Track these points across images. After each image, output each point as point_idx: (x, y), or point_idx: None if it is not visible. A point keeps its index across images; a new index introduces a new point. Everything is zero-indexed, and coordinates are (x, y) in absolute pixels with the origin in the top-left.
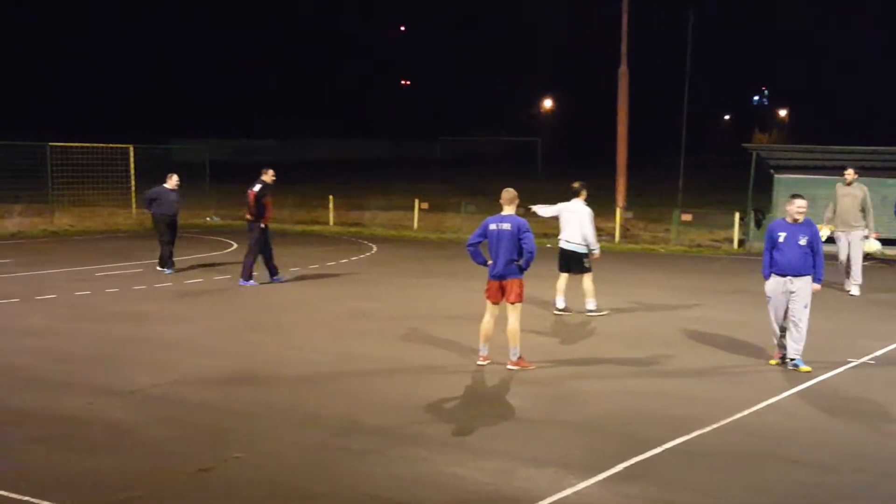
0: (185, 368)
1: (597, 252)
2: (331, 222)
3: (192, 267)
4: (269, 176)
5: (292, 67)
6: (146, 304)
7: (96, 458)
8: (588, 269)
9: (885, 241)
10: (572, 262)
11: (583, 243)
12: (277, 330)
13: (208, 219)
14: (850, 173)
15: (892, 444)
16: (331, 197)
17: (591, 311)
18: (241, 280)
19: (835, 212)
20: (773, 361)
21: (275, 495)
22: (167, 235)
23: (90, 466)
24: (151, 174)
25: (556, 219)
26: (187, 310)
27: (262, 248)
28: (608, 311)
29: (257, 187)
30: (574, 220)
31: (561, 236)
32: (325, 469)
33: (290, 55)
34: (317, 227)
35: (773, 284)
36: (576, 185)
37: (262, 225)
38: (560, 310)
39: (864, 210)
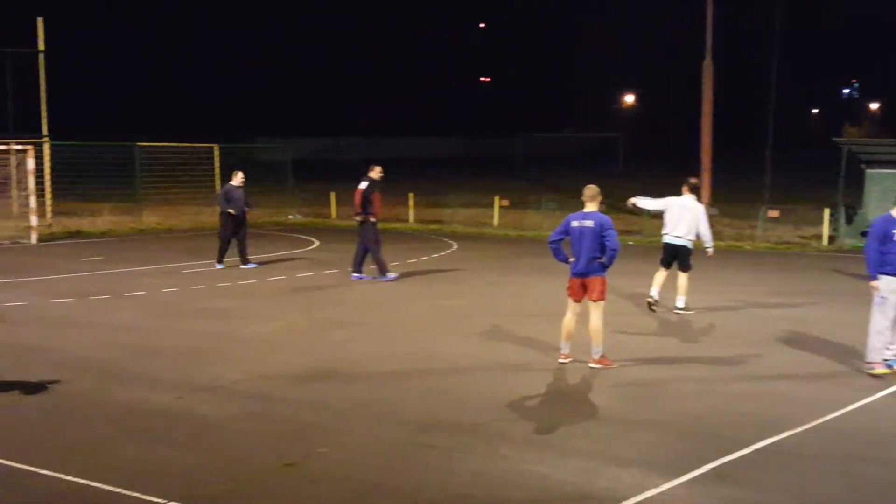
0: (270, 364)
1: (711, 249)
2: (411, 220)
3: (273, 263)
4: (376, 172)
5: (374, 66)
6: (231, 301)
7: (184, 451)
8: (689, 267)
9: None
10: (679, 258)
11: (692, 239)
12: (360, 327)
13: (290, 217)
14: None
15: None
16: (411, 194)
17: (679, 308)
18: (381, 276)
19: None
20: (879, 371)
21: (358, 491)
22: (240, 232)
23: (179, 460)
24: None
25: (653, 215)
26: (271, 307)
27: (375, 242)
28: (695, 310)
29: (364, 185)
30: (688, 216)
31: (668, 231)
32: (407, 466)
33: (372, 53)
34: (397, 225)
35: (889, 284)
36: (693, 180)
37: (373, 220)
38: (653, 300)
39: None
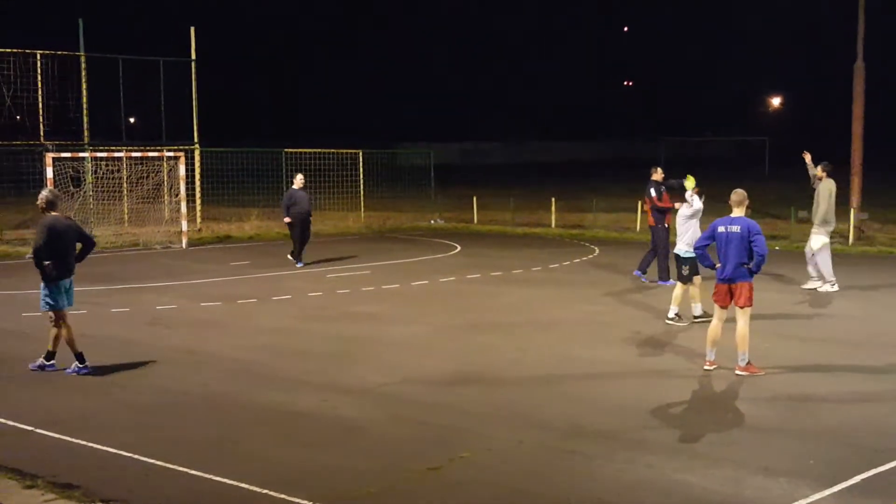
0: (412, 368)
1: None
2: (552, 224)
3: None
4: (657, 174)
5: (515, 70)
6: (375, 305)
7: (330, 454)
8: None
9: None
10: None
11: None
12: (503, 331)
13: (432, 221)
14: None
15: None
16: (553, 199)
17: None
18: (660, 280)
19: None
20: None
21: (500, 496)
22: (305, 234)
23: (324, 462)
24: (378, 178)
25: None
26: (414, 311)
27: (664, 249)
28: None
29: (652, 191)
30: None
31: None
32: (549, 471)
33: (512, 57)
34: (538, 230)
35: None
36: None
37: (667, 225)
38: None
39: None
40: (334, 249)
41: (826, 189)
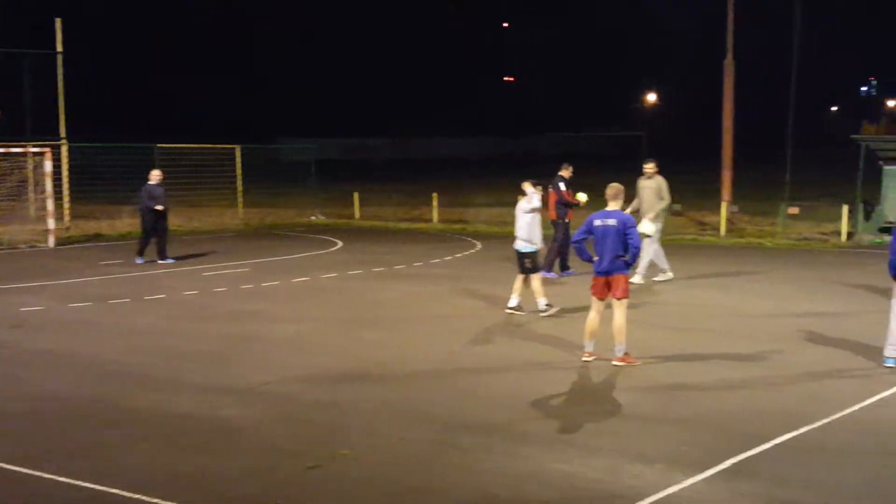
0: (293, 366)
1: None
2: (434, 220)
3: (294, 265)
4: (567, 171)
5: (398, 65)
6: (254, 303)
7: (207, 455)
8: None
9: None
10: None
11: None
12: (384, 327)
13: (313, 217)
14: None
15: None
16: (434, 194)
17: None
18: (543, 272)
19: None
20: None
21: (382, 492)
22: (162, 230)
23: (202, 464)
24: (257, 174)
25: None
26: (295, 308)
27: (565, 242)
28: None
29: (562, 185)
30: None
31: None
32: (432, 466)
33: (396, 52)
34: (421, 225)
35: None
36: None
37: (567, 220)
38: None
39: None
40: (211, 246)
41: (658, 184)
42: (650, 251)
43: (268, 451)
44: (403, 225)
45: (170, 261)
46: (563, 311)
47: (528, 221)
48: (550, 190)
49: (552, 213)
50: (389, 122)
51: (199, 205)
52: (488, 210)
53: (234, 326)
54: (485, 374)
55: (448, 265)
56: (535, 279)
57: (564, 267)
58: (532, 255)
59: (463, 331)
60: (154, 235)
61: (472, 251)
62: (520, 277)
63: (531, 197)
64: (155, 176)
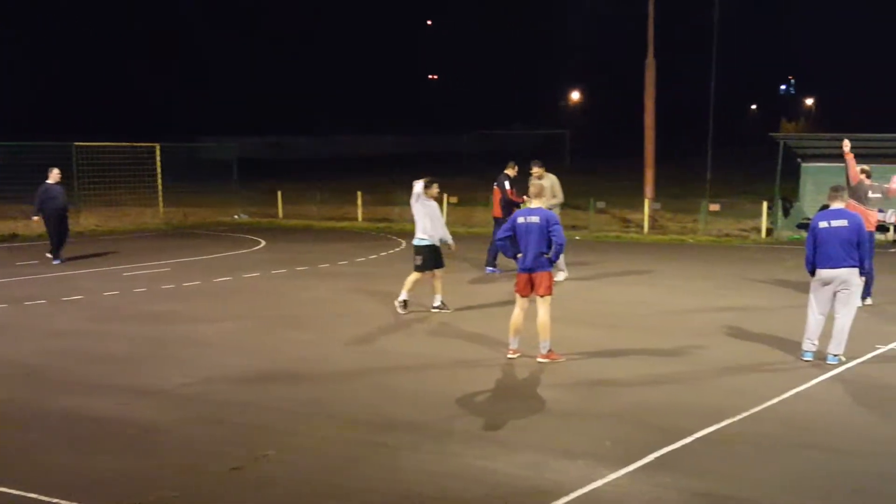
0: (216, 366)
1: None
2: (359, 218)
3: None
4: (512, 170)
5: (321, 63)
6: (175, 304)
7: (127, 458)
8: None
9: None
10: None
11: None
12: (308, 327)
13: (236, 216)
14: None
15: None
16: (359, 192)
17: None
18: (487, 268)
19: None
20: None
21: (306, 492)
22: (62, 230)
23: (120, 467)
24: (178, 173)
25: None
26: (217, 308)
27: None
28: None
29: (507, 184)
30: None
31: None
32: (356, 465)
33: (318, 50)
34: (345, 224)
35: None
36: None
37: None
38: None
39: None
40: (130, 246)
41: (550, 182)
42: None
43: (188, 453)
44: (328, 223)
45: (56, 262)
46: (457, 309)
47: (420, 217)
48: (495, 187)
49: (497, 211)
50: (313, 120)
51: (119, 204)
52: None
53: (154, 327)
54: (410, 372)
55: (373, 264)
56: (436, 278)
57: (492, 264)
58: (424, 251)
59: (388, 329)
60: (56, 234)
61: (397, 249)
62: (431, 275)
63: (420, 194)
64: (54, 175)
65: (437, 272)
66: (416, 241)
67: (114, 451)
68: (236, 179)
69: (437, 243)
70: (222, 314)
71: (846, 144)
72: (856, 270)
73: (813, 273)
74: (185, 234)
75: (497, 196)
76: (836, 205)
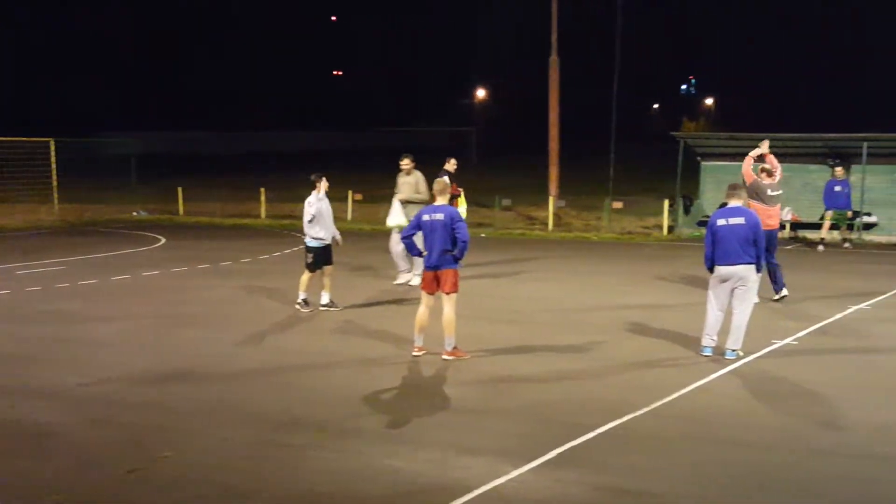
0: (113, 366)
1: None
2: (262, 215)
3: (117, 263)
4: (451, 165)
5: (224, 59)
6: (71, 303)
7: (20, 462)
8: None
9: (806, 225)
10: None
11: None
12: (209, 325)
13: (135, 213)
14: None
15: (815, 422)
16: (262, 189)
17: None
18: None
19: None
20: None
21: (205, 494)
22: None
23: (13, 471)
24: (77, 168)
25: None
26: (115, 307)
27: None
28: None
29: (446, 179)
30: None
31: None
32: (258, 465)
33: (221, 46)
34: (248, 221)
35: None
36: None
37: None
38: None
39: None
40: (24, 244)
41: (416, 179)
42: (400, 246)
43: (83, 456)
44: (230, 221)
45: None
46: (364, 306)
47: (310, 218)
48: None
49: None
50: (216, 116)
51: (11, 201)
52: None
53: (49, 327)
54: (314, 370)
55: (276, 261)
56: (325, 275)
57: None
58: (315, 251)
59: (291, 327)
60: None
61: (301, 247)
62: (307, 273)
63: (314, 196)
64: None
65: (327, 269)
66: (309, 241)
67: (6, 453)
68: (135, 176)
69: (329, 241)
70: (120, 313)
71: (765, 145)
72: (752, 267)
73: (711, 270)
74: (81, 231)
75: None
76: (734, 202)
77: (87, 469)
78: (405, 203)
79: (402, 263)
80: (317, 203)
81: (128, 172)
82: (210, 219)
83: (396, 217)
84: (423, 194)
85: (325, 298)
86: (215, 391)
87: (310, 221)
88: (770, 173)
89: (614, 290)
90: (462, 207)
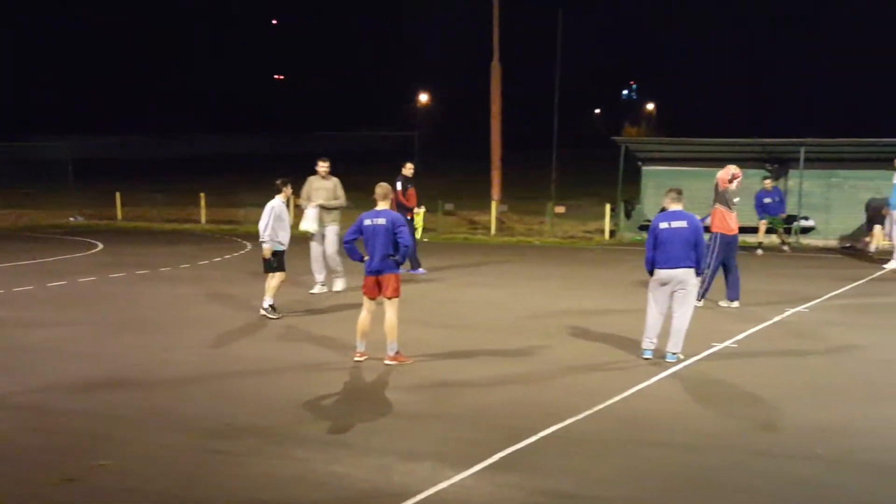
0: (49, 374)
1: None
2: (203, 220)
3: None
4: (408, 169)
5: (164, 60)
6: (5, 310)
7: None
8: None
9: (744, 230)
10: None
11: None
12: (147, 332)
13: (72, 219)
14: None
15: (753, 424)
16: (202, 194)
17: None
18: (411, 269)
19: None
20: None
21: (143, 502)
22: None
23: None
24: (11, 173)
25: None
26: (51, 313)
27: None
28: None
29: (398, 184)
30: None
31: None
32: (198, 473)
33: (162, 47)
34: (188, 226)
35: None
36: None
37: (409, 217)
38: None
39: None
40: None
41: (333, 184)
42: (315, 252)
43: (16, 465)
44: (170, 226)
45: None
46: (307, 312)
47: (266, 220)
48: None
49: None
50: (162, 120)
51: None
52: (259, 210)
53: None
54: (255, 377)
55: (217, 267)
56: (274, 278)
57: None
58: (278, 254)
59: (232, 333)
60: None
61: (243, 252)
62: (270, 276)
63: (276, 200)
64: None
65: (279, 274)
66: (274, 246)
67: None
68: (72, 180)
69: (286, 246)
70: (57, 320)
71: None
72: (692, 271)
73: (651, 273)
74: (15, 237)
75: (393, 198)
76: (674, 206)
77: (21, 479)
78: (320, 208)
79: (317, 272)
80: (281, 207)
81: (65, 177)
82: (149, 224)
83: (310, 223)
84: (341, 199)
85: (266, 302)
86: (153, 398)
87: (273, 226)
88: (731, 181)
89: (557, 295)
90: (419, 229)
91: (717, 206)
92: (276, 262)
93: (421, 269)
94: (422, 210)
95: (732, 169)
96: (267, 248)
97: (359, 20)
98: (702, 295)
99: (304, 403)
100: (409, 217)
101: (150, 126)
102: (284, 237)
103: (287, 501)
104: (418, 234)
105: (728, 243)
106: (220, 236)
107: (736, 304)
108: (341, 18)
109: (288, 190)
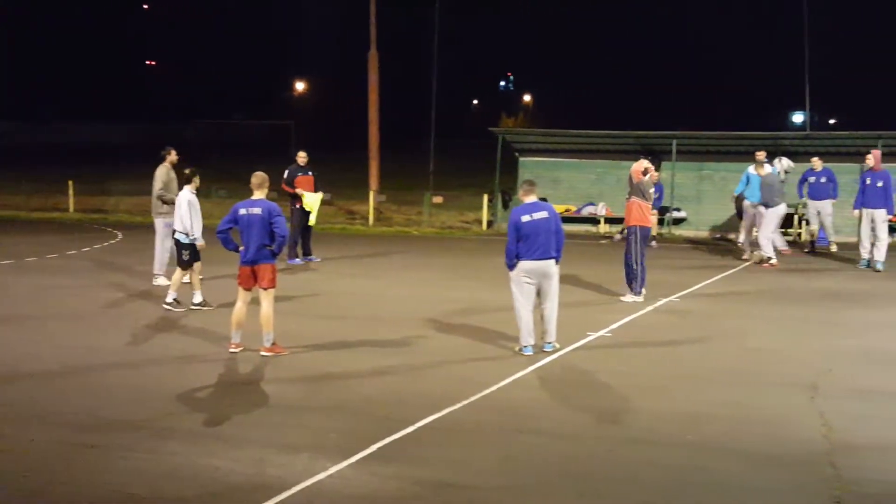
0: None
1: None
2: (71, 209)
3: None
4: (302, 159)
5: (32, 45)
6: None
7: None
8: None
9: (620, 220)
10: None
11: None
12: (14, 324)
13: None
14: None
15: (626, 411)
16: (70, 182)
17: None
18: (289, 259)
19: None
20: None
21: (11, 498)
22: None
23: None
24: None
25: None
26: None
27: (297, 230)
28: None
29: (286, 173)
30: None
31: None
32: (67, 469)
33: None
34: (56, 215)
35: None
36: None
37: (298, 206)
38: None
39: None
40: None
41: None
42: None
43: None
44: (36, 215)
45: None
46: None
47: (183, 215)
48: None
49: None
50: (30, 106)
51: None
52: (130, 199)
53: None
54: (126, 369)
55: (86, 256)
56: (194, 272)
57: (307, 252)
58: (191, 247)
59: (102, 326)
60: None
61: (113, 241)
62: (179, 270)
63: (186, 191)
64: None
65: (197, 266)
66: (185, 238)
67: None
68: None
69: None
70: None
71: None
72: (553, 261)
73: (513, 267)
74: None
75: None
76: (531, 198)
77: None
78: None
79: (158, 264)
80: (195, 199)
81: None
82: (14, 213)
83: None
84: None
85: (197, 297)
86: (17, 392)
87: (187, 217)
88: (646, 172)
89: (435, 285)
90: (313, 209)
91: (634, 198)
92: (188, 255)
93: (314, 257)
94: (318, 195)
95: (645, 162)
96: (200, 244)
97: (233, 3)
98: (640, 287)
99: (178, 396)
100: (297, 205)
101: (15, 112)
102: (197, 229)
103: (159, 496)
104: (312, 220)
105: (645, 236)
106: (89, 225)
107: (641, 297)
108: (214, 2)
109: (197, 180)
